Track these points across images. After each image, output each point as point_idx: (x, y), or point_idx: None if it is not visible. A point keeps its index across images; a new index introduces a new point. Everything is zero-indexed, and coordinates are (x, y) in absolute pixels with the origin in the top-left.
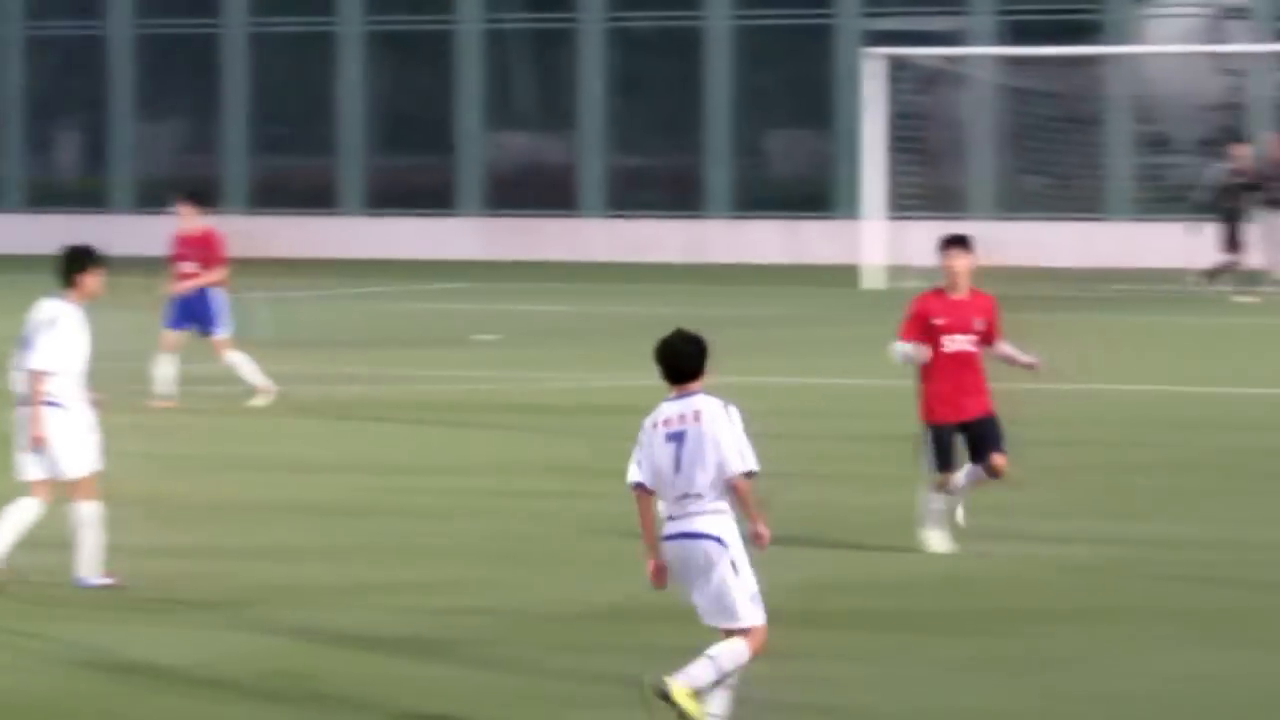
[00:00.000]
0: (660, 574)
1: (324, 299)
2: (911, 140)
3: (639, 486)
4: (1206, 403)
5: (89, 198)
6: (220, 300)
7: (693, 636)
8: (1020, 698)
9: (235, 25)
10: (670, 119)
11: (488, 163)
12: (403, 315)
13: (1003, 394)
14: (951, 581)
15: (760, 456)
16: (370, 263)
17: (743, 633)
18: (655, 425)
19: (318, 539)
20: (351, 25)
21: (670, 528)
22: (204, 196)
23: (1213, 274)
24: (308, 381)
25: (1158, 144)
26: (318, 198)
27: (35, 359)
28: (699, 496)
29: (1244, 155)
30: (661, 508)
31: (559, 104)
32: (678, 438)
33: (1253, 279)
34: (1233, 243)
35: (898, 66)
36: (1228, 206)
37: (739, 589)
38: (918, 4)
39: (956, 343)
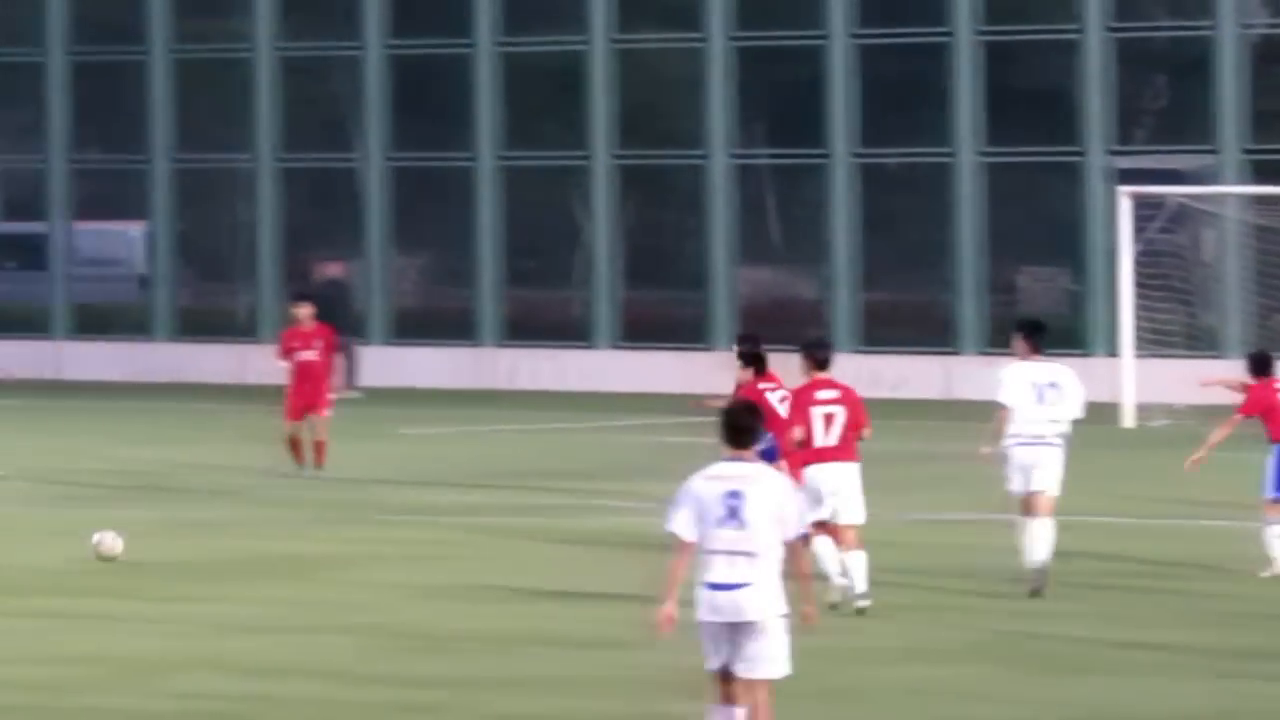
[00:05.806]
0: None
1: (587, 431)
2: (1161, 278)
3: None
4: None
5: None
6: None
7: None
8: None
9: (485, 157)
10: (919, 254)
11: (737, 297)
12: (655, 448)
13: None
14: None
15: None
16: (620, 396)
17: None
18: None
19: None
20: (600, 158)
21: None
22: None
23: None
24: (548, 513)
25: None
26: (569, 330)
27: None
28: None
29: None
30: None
31: (807, 238)
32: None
33: None
34: None
35: (1147, 204)
36: None
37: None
38: (1165, 142)
39: None
